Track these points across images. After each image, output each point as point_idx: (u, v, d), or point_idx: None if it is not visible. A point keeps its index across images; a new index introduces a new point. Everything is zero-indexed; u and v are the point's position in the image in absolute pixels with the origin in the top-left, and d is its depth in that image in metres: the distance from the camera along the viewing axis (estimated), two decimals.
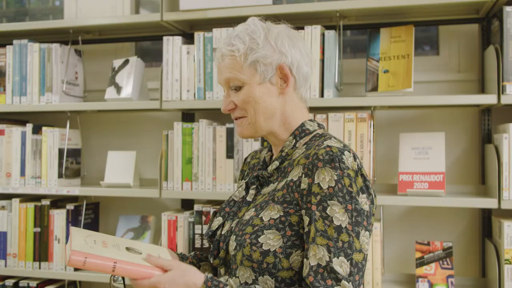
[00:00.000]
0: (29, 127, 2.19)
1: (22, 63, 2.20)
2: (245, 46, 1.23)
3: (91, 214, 2.27)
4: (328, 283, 1.09)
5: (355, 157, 1.18)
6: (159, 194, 2.03)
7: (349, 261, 1.10)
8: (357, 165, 1.17)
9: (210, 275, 1.15)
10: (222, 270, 1.28)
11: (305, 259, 1.13)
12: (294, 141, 1.28)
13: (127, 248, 1.21)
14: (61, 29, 2.21)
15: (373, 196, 1.21)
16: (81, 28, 2.22)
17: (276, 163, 1.28)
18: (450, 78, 2.06)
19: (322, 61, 1.89)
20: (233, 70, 1.25)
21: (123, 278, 1.27)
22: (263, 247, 1.15)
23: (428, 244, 1.90)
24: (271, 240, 1.15)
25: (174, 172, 2.03)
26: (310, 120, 1.31)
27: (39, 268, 2.16)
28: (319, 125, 1.32)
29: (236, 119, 1.30)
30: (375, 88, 1.87)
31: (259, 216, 1.19)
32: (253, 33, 1.24)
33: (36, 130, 2.20)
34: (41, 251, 2.16)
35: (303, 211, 1.16)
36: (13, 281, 2.22)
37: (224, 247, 1.24)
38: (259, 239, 1.16)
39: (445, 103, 1.79)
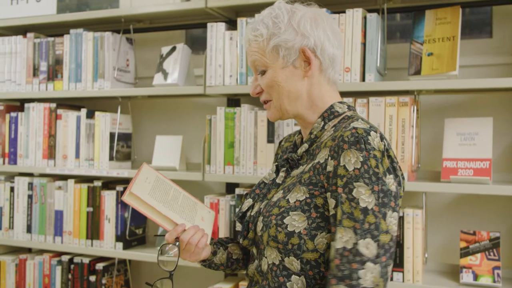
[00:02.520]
0: (83, 111, 2.31)
1: (78, 51, 2.32)
2: (268, 31, 1.25)
3: None
4: (353, 267, 1.08)
5: (381, 138, 1.16)
6: (202, 177, 2.08)
7: (376, 243, 1.09)
8: (384, 146, 1.15)
9: None
10: (254, 250, 1.31)
11: (332, 242, 1.13)
12: (322, 123, 1.28)
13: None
14: (114, 18, 2.31)
15: (401, 178, 1.19)
16: (133, 17, 2.31)
17: (306, 145, 1.29)
18: (503, 61, 1.96)
19: (364, 44, 1.86)
20: (258, 55, 1.27)
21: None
22: (288, 228, 1.16)
23: (474, 233, 1.83)
24: (296, 222, 1.16)
25: (217, 156, 2.07)
26: (340, 102, 1.31)
27: (91, 245, 2.28)
28: (349, 107, 1.31)
29: (264, 102, 1.32)
30: (418, 72, 1.82)
31: (286, 198, 1.21)
32: (277, 17, 1.25)
33: (90, 115, 2.32)
34: (93, 230, 2.28)
35: (328, 194, 1.16)
36: (68, 257, 2.36)
37: (252, 228, 1.26)
38: (284, 220, 1.17)
39: (492, 86, 1.71)
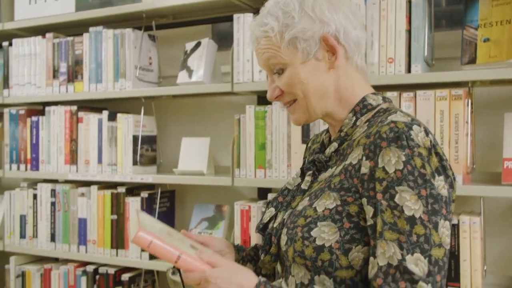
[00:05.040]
0: (105, 114, 2.19)
1: (98, 50, 2.19)
2: (279, 23, 1.06)
3: (166, 203, 2.22)
4: (401, 286, 0.90)
5: (427, 132, 0.97)
6: (231, 182, 1.92)
7: (427, 258, 0.91)
8: (430, 142, 0.96)
9: (263, 278, 1.01)
10: (278, 267, 1.14)
11: (371, 258, 0.95)
12: (354, 118, 1.09)
13: (191, 246, 1.14)
14: (135, 14, 2.17)
15: (452, 179, 0.99)
16: (155, 12, 2.16)
17: (335, 144, 1.10)
18: None
19: (409, 32, 1.66)
20: (271, 52, 1.08)
21: (179, 271, 1.18)
22: (316, 242, 0.98)
23: None
24: (325, 234, 0.98)
25: (247, 158, 1.90)
26: (373, 94, 1.12)
27: (116, 255, 2.15)
28: (384, 99, 1.12)
29: (287, 106, 1.14)
30: (472, 61, 1.60)
31: (313, 206, 1.02)
32: (286, 5, 1.06)
33: (112, 117, 2.18)
34: (118, 239, 2.15)
35: (364, 200, 0.97)
36: (93, 267, 2.24)
37: (275, 242, 1.09)
38: (312, 233, 0.99)
39: None
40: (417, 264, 0.90)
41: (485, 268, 1.66)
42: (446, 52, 1.83)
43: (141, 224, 1.06)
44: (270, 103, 1.91)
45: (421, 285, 0.89)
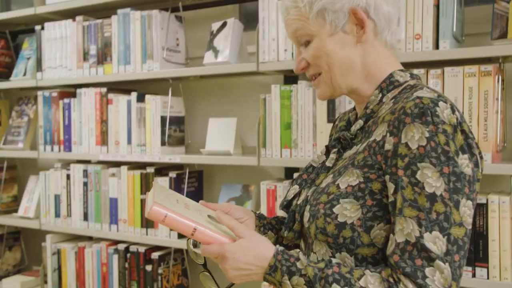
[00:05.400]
0: (133, 95, 2.22)
1: (126, 32, 2.22)
2: None
3: (194, 183, 2.25)
4: (417, 263, 0.89)
5: (453, 109, 0.94)
6: (257, 162, 1.93)
7: (446, 237, 0.89)
8: (457, 119, 0.93)
9: (281, 248, 1.01)
10: (302, 244, 1.14)
11: (391, 235, 0.94)
12: (380, 95, 1.07)
13: (209, 216, 1.13)
14: None
15: (478, 157, 0.97)
16: None
17: (360, 122, 1.09)
18: None
19: (437, 6, 1.61)
20: (300, 23, 1.07)
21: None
22: (338, 219, 0.98)
23: None
24: (347, 211, 0.98)
25: (273, 138, 1.90)
26: (401, 70, 1.09)
27: (146, 234, 2.20)
28: (412, 76, 1.09)
29: (312, 79, 1.13)
30: (503, 35, 1.55)
31: (336, 183, 1.02)
32: None
33: (140, 99, 2.22)
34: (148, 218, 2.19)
35: (387, 177, 0.96)
36: (124, 245, 2.29)
37: (299, 219, 1.09)
38: (334, 210, 0.99)
39: None
40: (435, 242, 0.89)
41: None
42: (478, 27, 1.77)
43: (156, 197, 1.05)
44: (296, 82, 1.90)
45: (438, 263, 0.88)
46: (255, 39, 2.11)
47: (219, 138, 2.13)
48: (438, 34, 1.62)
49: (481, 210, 1.57)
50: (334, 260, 0.98)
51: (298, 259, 0.98)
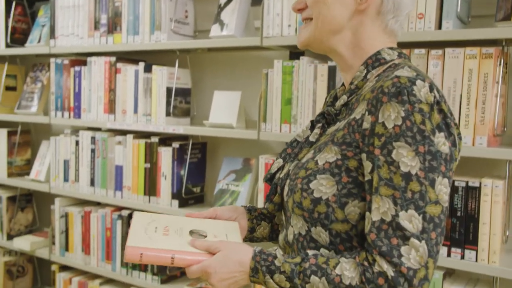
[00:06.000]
0: (141, 65, 2.25)
1: (136, 2, 2.24)
2: None
3: (197, 154, 2.29)
4: (393, 242, 0.90)
5: (431, 88, 0.94)
6: (257, 136, 1.95)
7: (421, 215, 0.90)
8: (434, 98, 0.93)
9: (258, 248, 1.03)
10: (283, 218, 1.16)
11: (367, 213, 0.95)
12: (365, 71, 1.07)
13: (191, 232, 1.13)
14: None
15: (456, 137, 0.97)
16: None
17: (344, 97, 1.09)
18: None
19: None
20: None
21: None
22: (314, 194, 1.00)
23: None
24: (323, 187, 0.99)
25: (273, 113, 1.92)
26: (390, 48, 1.08)
27: (149, 202, 2.26)
28: (400, 54, 1.08)
29: (304, 21, 1.12)
30: (507, 17, 1.52)
31: (315, 159, 1.03)
32: None
33: (148, 69, 2.24)
34: (151, 186, 2.25)
35: (363, 155, 0.97)
36: (128, 212, 2.36)
37: (279, 192, 1.11)
38: (311, 185, 1.00)
39: None
40: (410, 220, 0.90)
41: (507, 234, 1.63)
42: (486, 9, 1.74)
43: (130, 238, 1.05)
44: (298, 58, 1.90)
45: (413, 241, 0.89)
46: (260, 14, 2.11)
47: (223, 111, 2.15)
48: (442, 14, 1.59)
49: (473, 194, 1.57)
50: (310, 253, 1.00)
51: (275, 257, 1.00)
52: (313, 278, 0.95)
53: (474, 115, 1.54)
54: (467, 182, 1.57)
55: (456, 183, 1.58)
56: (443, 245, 1.60)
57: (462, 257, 1.59)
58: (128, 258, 1.02)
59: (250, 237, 1.28)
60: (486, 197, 1.55)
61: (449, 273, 1.72)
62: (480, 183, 1.55)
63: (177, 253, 1.03)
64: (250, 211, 1.29)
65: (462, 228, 1.58)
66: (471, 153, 1.54)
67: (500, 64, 1.54)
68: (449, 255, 1.60)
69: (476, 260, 1.57)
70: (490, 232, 1.55)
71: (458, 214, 1.58)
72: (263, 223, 1.30)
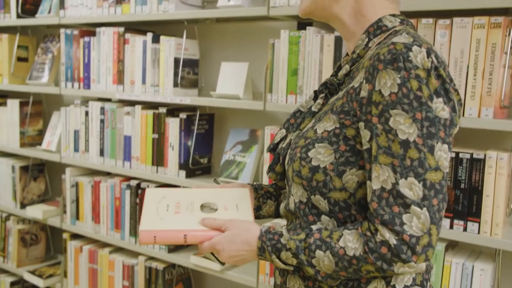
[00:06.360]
0: (149, 36, 2.25)
1: None
2: None
3: (205, 125, 2.30)
4: (394, 210, 0.91)
5: (429, 53, 0.93)
6: (263, 107, 1.95)
7: (421, 183, 0.90)
8: (431, 63, 0.92)
9: (265, 228, 1.06)
10: (286, 186, 1.18)
11: (367, 181, 0.96)
12: (367, 40, 1.06)
13: (202, 206, 1.18)
14: None
15: (456, 103, 0.96)
16: None
17: (347, 67, 1.09)
18: None
19: None
20: None
21: None
22: (312, 163, 1.00)
23: None
24: (321, 155, 1.00)
25: (279, 84, 1.91)
26: (392, 15, 1.07)
27: (156, 172, 2.28)
28: (402, 21, 1.07)
29: None
30: None
31: (314, 128, 1.04)
32: None
33: (155, 40, 2.24)
34: (158, 157, 2.27)
35: (361, 124, 0.97)
36: (136, 182, 2.39)
37: (281, 161, 1.12)
38: (309, 153, 1.01)
39: None
40: (411, 188, 0.90)
41: (511, 206, 1.62)
42: None
43: (142, 222, 1.12)
44: (306, 29, 1.88)
45: (414, 209, 0.90)
46: None
47: (230, 82, 2.15)
48: None
49: (478, 165, 1.55)
50: (314, 227, 1.01)
51: (281, 235, 1.03)
52: (318, 252, 0.97)
53: (481, 86, 1.52)
54: (471, 154, 1.56)
55: (460, 155, 1.57)
56: (446, 217, 1.60)
57: (465, 229, 1.58)
58: (142, 241, 1.09)
59: (256, 215, 1.30)
60: (491, 169, 1.54)
61: (452, 245, 1.72)
62: (485, 155, 1.54)
63: (189, 232, 1.10)
64: (256, 189, 1.32)
65: (465, 200, 1.57)
66: (477, 124, 1.53)
67: (508, 34, 1.51)
68: (451, 227, 1.60)
69: (479, 233, 1.56)
70: (493, 204, 1.54)
71: (462, 186, 1.58)
72: (268, 202, 1.32)
